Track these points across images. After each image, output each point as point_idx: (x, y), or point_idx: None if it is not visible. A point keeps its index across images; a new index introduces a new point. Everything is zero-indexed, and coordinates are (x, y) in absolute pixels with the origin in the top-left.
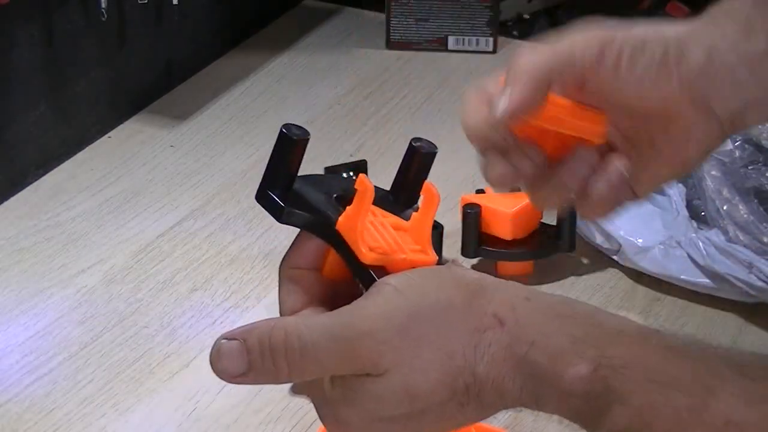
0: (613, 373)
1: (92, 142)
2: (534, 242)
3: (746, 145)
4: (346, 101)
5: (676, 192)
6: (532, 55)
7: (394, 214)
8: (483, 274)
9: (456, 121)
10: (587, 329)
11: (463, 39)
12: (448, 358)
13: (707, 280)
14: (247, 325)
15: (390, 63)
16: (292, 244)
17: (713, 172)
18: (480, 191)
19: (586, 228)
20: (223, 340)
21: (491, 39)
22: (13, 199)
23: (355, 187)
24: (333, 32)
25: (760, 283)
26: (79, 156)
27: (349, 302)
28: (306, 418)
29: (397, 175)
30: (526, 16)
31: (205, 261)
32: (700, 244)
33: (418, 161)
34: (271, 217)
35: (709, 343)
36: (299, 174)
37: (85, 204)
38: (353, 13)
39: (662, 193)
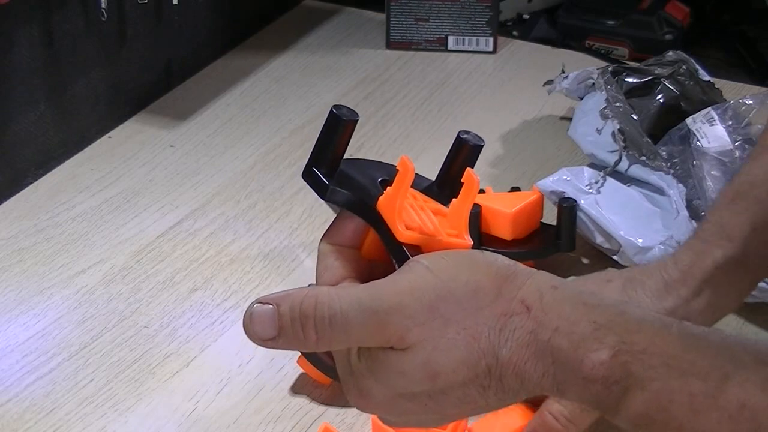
0: (632, 358)
1: (92, 142)
2: (534, 242)
3: (746, 145)
4: (346, 101)
5: (676, 192)
6: None
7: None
8: (515, 261)
9: (456, 121)
10: (610, 317)
11: (463, 39)
12: (472, 339)
13: None
14: (282, 291)
15: (390, 63)
16: (334, 221)
17: (713, 172)
18: (480, 191)
19: (586, 228)
20: (257, 305)
21: (491, 39)
22: (13, 199)
23: (397, 167)
24: (333, 32)
25: (760, 283)
26: (79, 156)
27: None
28: (306, 418)
29: (443, 166)
30: (526, 16)
31: (205, 261)
32: None
33: (464, 153)
34: (271, 217)
35: (726, 333)
36: (347, 157)
37: (85, 204)
38: (353, 13)
39: (662, 193)
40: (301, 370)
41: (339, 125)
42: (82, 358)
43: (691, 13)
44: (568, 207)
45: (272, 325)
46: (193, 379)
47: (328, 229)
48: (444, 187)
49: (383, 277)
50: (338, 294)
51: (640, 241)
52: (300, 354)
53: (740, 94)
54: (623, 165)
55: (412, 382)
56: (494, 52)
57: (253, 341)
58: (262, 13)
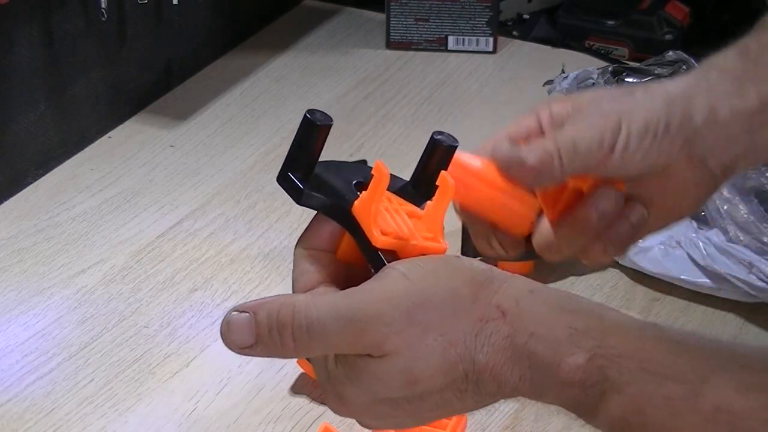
0: (608, 362)
1: (92, 142)
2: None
3: None
4: (346, 101)
5: None
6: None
7: (412, 203)
8: (491, 266)
9: (456, 121)
10: (586, 322)
11: (463, 39)
12: (449, 345)
13: (707, 280)
14: (259, 299)
15: (390, 63)
16: (309, 225)
17: None
18: None
19: None
20: (234, 312)
21: (491, 39)
22: (13, 199)
23: (372, 172)
24: (333, 32)
25: (760, 283)
26: (79, 156)
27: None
28: (306, 418)
29: (417, 166)
30: (526, 16)
31: (205, 261)
32: (700, 244)
33: (438, 154)
34: (271, 217)
35: (705, 336)
36: (322, 159)
37: (85, 204)
38: (353, 13)
39: None
40: (301, 370)
41: (313, 130)
42: (82, 358)
43: (691, 13)
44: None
45: (250, 333)
46: (193, 379)
47: (303, 233)
48: (419, 186)
49: (360, 281)
50: (315, 302)
51: (640, 241)
52: None
53: None
54: None
55: (390, 389)
56: (494, 52)
57: (230, 349)
58: (262, 13)
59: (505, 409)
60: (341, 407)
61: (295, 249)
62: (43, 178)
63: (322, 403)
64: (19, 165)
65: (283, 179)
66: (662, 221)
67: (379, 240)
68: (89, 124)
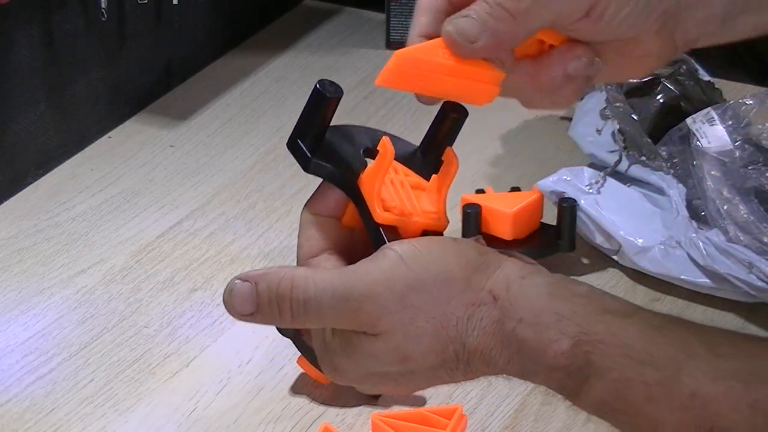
0: (592, 348)
1: (92, 142)
2: (534, 242)
3: (746, 145)
4: (346, 101)
5: (676, 192)
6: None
7: (419, 172)
8: (487, 249)
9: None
10: (572, 308)
11: None
12: (441, 327)
13: (707, 280)
14: (261, 269)
15: None
16: (316, 191)
17: (713, 172)
18: (480, 191)
19: (586, 228)
20: (237, 281)
21: None
22: (13, 199)
23: (377, 148)
24: (333, 32)
25: (760, 283)
26: (79, 156)
27: (365, 251)
28: (306, 418)
29: (426, 134)
30: None
31: (205, 261)
32: (700, 244)
33: (447, 124)
34: (271, 218)
35: (685, 321)
36: (333, 124)
37: (85, 204)
38: (353, 13)
39: (662, 193)
40: (301, 370)
41: (322, 102)
42: (82, 358)
43: None
44: (568, 207)
45: (251, 302)
46: (193, 379)
47: (310, 198)
48: (426, 154)
49: (363, 247)
50: (314, 278)
51: (640, 241)
52: (300, 354)
53: (740, 94)
54: (623, 165)
55: (383, 364)
56: None
57: (231, 315)
58: (262, 13)
59: (505, 409)
60: (337, 376)
61: (301, 213)
62: (43, 178)
63: (323, 403)
64: (19, 165)
65: (292, 146)
66: (606, 78)
67: (380, 216)
68: (89, 124)
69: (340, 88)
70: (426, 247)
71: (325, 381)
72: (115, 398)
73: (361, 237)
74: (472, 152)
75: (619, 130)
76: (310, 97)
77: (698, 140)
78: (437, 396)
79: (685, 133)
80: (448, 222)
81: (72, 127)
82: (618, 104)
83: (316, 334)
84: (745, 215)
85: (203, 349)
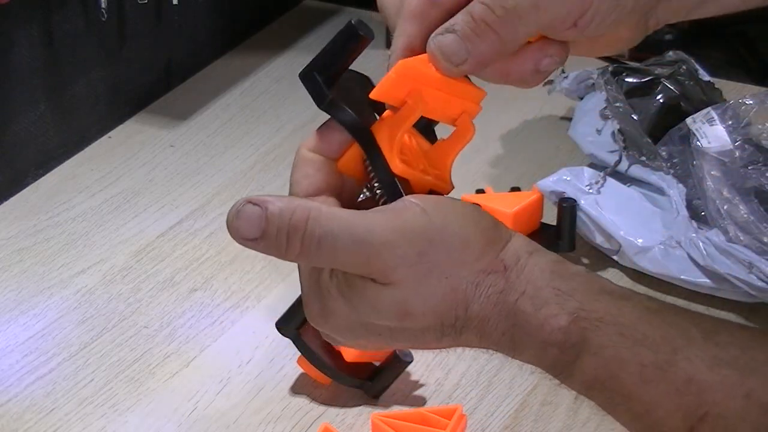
0: (589, 325)
1: (92, 142)
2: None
3: (746, 145)
4: None
5: (676, 192)
6: None
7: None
8: (499, 222)
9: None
10: (573, 285)
11: None
12: (450, 289)
13: (707, 280)
14: (272, 195)
15: None
16: (320, 128)
17: (713, 172)
18: (480, 191)
19: (586, 228)
20: (247, 203)
21: None
22: (13, 199)
23: (407, 98)
24: (333, 32)
25: (760, 283)
26: (79, 156)
27: (352, 201)
28: (306, 418)
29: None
30: None
31: (205, 261)
32: (700, 244)
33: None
34: None
35: (683, 308)
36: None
37: (85, 204)
38: (353, 13)
39: (662, 193)
40: (301, 370)
41: (353, 39)
42: (82, 358)
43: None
44: (568, 207)
45: (258, 226)
46: (193, 379)
47: (312, 135)
48: (432, 123)
49: (352, 196)
50: (331, 215)
51: (640, 241)
52: (300, 354)
53: (740, 94)
54: (623, 165)
55: (381, 316)
56: None
57: (233, 237)
58: (262, 13)
59: (505, 409)
60: (322, 320)
61: (300, 149)
62: (43, 178)
63: (323, 403)
64: (19, 165)
65: (307, 78)
66: (575, 53)
67: (398, 166)
68: (89, 124)
69: (373, 34)
70: (449, 207)
71: (325, 381)
72: (115, 398)
73: (351, 186)
74: (472, 152)
75: (619, 130)
76: (339, 32)
77: (698, 140)
78: (437, 396)
79: (685, 133)
80: (453, 187)
81: (72, 127)
82: (618, 104)
83: (309, 273)
84: (745, 215)
85: (203, 349)
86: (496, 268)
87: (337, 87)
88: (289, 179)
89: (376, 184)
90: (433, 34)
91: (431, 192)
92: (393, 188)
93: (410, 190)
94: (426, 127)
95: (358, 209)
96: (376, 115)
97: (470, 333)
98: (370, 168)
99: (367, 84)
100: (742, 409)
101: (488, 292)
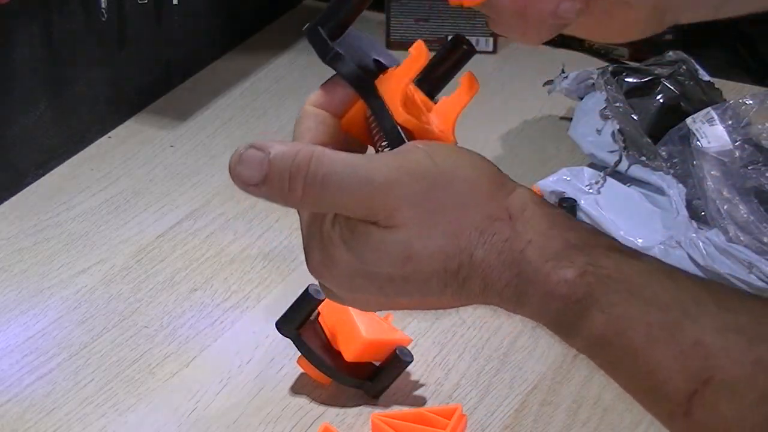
0: (597, 280)
1: (92, 142)
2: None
3: (746, 145)
4: None
5: (676, 192)
6: None
7: None
8: (505, 174)
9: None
10: (583, 239)
11: None
12: (454, 235)
13: None
14: (276, 141)
15: None
16: (324, 85)
17: (713, 172)
18: None
19: None
20: (249, 147)
21: (491, 39)
22: (13, 199)
23: (410, 50)
24: None
25: (760, 283)
26: (79, 156)
27: None
28: (306, 418)
29: (428, 64)
30: None
31: (205, 261)
32: (700, 244)
33: (455, 56)
34: (271, 218)
35: (693, 273)
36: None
37: (85, 204)
38: None
39: (662, 193)
40: (301, 370)
41: None
42: (82, 358)
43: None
44: (568, 207)
45: (260, 170)
46: (193, 379)
47: (317, 92)
48: (423, 84)
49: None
50: (335, 155)
51: (640, 241)
52: (300, 354)
53: (740, 94)
54: (623, 165)
55: (383, 261)
56: (494, 52)
57: (235, 183)
58: (262, 13)
59: (505, 409)
60: (323, 269)
61: (305, 105)
62: (43, 178)
63: (323, 403)
64: (19, 165)
65: (312, 33)
66: (588, 34)
67: (402, 115)
68: (89, 124)
69: None
70: (453, 152)
71: (325, 381)
72: (115, 398)
73: (357, 144)
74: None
75: (619, 130)
76: None
77: (698, 140)
78: (437, 396)
79: (685, 133)
80: (456, 143)
81: (72, 127)
82: (618, 104)
83: (310, 221)
84: (745, 215)
85: (203, 349)
86: (502, 215)
87: (342, 44)
88: (293, 133)
89: (379, 139)
90: None
91: None
92: (397, 136)
93: (414, 139)
94: (428, 95)
95: None
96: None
97: (474, 282)
98: (373, 124)
99: (373, 45)
100: (750, 376)
101: (493, 240)
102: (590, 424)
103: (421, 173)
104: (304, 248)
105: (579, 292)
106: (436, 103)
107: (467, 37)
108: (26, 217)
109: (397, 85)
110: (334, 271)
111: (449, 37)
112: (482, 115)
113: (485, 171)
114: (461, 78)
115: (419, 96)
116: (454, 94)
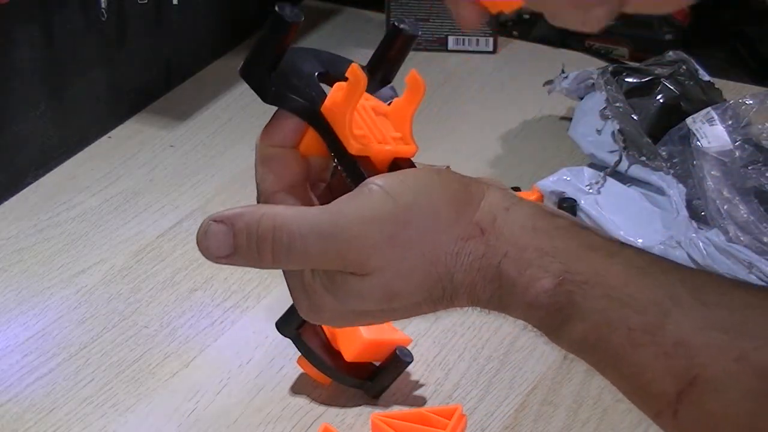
0: (576, 288)
1: (92, 142)
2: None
3: (746, 145)
4: None
5: (676, 192)
6: None
7: (369, 91)
8: (468, 178)
9: (456, 122)
10: (557, 243)
11: (463, 39)
12: (431, 264)
13: None
14: (236, 209)
15: None
16: (271, 120)
17: (713, 172)
18: None
19: None
20: (212, 222)
21: (491, 39)
22: (13, 199)
23: (347, 75)
24: (333, 32)
25: (760, 283)
26: (79, 156)
27: (322, 179)
28: (306, 418)
29: (375, 52)
30: (526, 16)
31: (205, 261)
32: (700, 244)
33: (399, 42)
34: None
35: (670, 263)
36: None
37: (85, 204)
38: (353, 13)
39: (662, 193)
40: (301, 370)
41: (283, 26)
42: (82, 358)
43: (691, 13)
44: (568, 207)
45: (227, 243)
46: (193, 379)
47: (266, 127)
48: (375, 73)
49: (322, 172)
50: (296, 218)
51: (640, 241)
52: (300, 354)
53: (740, 94)
54: (623, 165)
55: (368, 303)
56: (494, 52)
57: (204, 256)
58: (262, 13)
59: (505, 409)
60: (315, 315)
61: (258, 144)
62: (43, 178)
63: (323, 403)
64: (19, 165)
65: (248, 75)
66: (640, 8)
67: (354, 147)
68: (89, 124)
69: (300, 13)
70: (411, 181)
71: (325, 381)
72: (115, 398)
73: (320, 163)
74: (472, 152)
75: (619, 130)
76: (268, 22)
77: (698, 140)
78: (437, 396)
79: (685, 133)
80: (416, 148)
81: (72, 127)
82: (618, 104)
83: (292, 274)
84: (745, 215)
85: (203, 349)
86: (473, 233)
87: (278, 75)
88: (255, 177)
89: (337, 164)
90: None
91: (395, 160)
92: (354, 170)
93: (372, 166)
94: (384, 82)
95: (332, 189)
96: (324, 88)
97: (461, 299)
98: (329, 149)
99: (309, 54)
100: (734, 373)
101: (469, 260)
102: (590, 424)
103: (384, 218)
104: (292, 296)
105: (559, 302)
106: (390, 100)
107: (467, 37)
108: (26, 217)
109: (342, 116)
110: (324, 315)
111: (394, 24)
112: (482, 115)
113: (447, 192)
114: (406, 78)
115: (370, 103)
116: (404, 95)
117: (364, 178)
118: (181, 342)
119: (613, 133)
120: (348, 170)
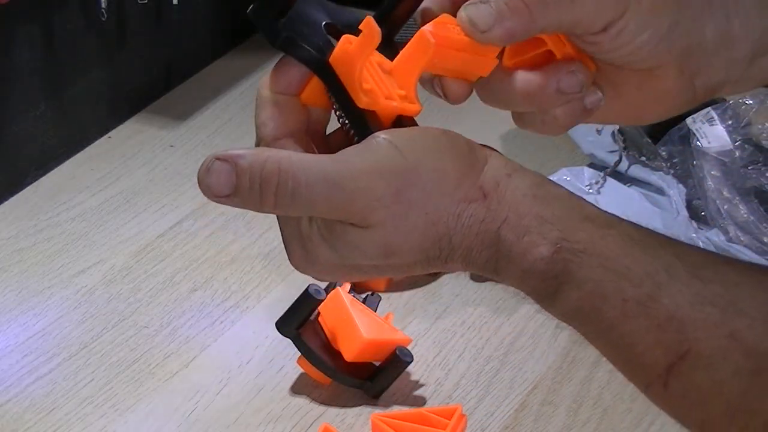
0: (572, 256)
1: (92, 142)
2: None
3: (746, 145)
4: None
5: (676, 192)
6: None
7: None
8: (472, 141)
9: (456, 121)
10: (555, 212)
11: None
12: (431, 224)
13: None
14: (241, 148)
15: None
16: (276, 66)
17: (713, 172)
18: None
19: None
20: (216, 160)
21: None
22: (13, 199)
23: (361, 28)
24: None
25: None
26: (79, 156)
27: (320, 132)
28: (306, 418)
29: (382, 8)
30: None
31: (205, 261)
32: (700, 244)
33: (410, 1)
34: (271, 217)
35: (667, 238)
36: None
37: (85, 204)
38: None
39: (662, 193)
40: (301, 370)
41: None
42: (82, 358)
43: None
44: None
45: (229, 182)
46: (193, 379)
47: (271, 74)
48: (382, 25)
49: (322, 124)
50: (303, 163)
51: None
52: (300, 354)
53: (740, 94)
54: (623, 165)
55: (365, 257)
56: None
57: (205, 195)
58: None
59: (505, 409)
60: (306, 265)
61: (260, 89)
62: (43, 178)
63: (323, 403)
64: (19, 165)
65: (257, 15)
66: (623, 118)
67: (363, 100)
68: (89, 124)
69: None
70: (420, 139)
71: (325, 381)
72: (115, 398)
73: (320, 114)
74: None
75: (619, 130)
76: None
77: (698, 140)
78: (437, 396)
79: (685, 133)
80: (421, 107)
81: (72, 127)
82: None
83: (287, 221)
84: (745, 215)
85: (203, 349)
86: (476, 196)
87: (290, 20)
88: (254, 121)
89: (341, 116)
90: (465, 4)
91: (399, 117)
92: (361, 123)
93: (378, 121)
94: (386, 40)
95: (330, 142)
96: (332, 39)
97: (455, 262)
98: (335, 102)
99: (317, 3)
100: (725, 348)
101: (469, 222)
102: (590, 424)
103: (391, 172)
104: (284, 244)
105: (555, 269)
106: (395, 53)
107: None
108: (26, 217)
109: (353, 67)
110: (317, 267)
111: None
112: (482, 115)
113: (454, 153)
114: (415, 37)
115: (376, 58)
116: (409, 53)
117: (370, 132)
118: (181, 342)
119: (613, 133)
120: (354, 123)
